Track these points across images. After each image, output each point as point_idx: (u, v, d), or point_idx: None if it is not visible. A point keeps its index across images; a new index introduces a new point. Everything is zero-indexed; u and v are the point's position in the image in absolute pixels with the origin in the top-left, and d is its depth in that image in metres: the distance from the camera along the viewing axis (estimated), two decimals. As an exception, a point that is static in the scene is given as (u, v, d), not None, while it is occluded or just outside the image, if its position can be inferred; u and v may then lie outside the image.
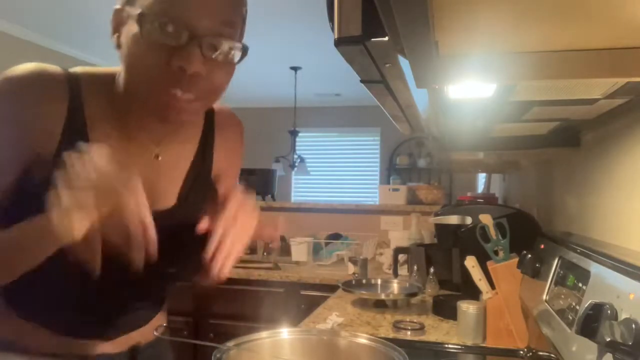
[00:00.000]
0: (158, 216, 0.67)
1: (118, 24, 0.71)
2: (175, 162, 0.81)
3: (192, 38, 0.66)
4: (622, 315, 0.61)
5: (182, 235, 0.75)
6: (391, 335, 1.42)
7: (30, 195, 0.66)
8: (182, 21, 0.65)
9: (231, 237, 0.70)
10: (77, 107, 0.72)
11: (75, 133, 0.71)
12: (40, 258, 0.65)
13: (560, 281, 0.93)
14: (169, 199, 0.81)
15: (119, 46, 0.72)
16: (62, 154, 0.62)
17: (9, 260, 0.66)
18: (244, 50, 0.72)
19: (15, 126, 0.69)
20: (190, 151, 0.84)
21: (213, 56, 0.68)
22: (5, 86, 0.69)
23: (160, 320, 0.98)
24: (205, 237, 0.71)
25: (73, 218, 0.59)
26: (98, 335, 0.86)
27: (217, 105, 0.88)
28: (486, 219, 1.35)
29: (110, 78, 0.76)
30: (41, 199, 0.60)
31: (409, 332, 1.44)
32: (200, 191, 0.85)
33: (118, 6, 0.72)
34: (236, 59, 0.72)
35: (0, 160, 0.70)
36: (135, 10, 0.66)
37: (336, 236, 2.98)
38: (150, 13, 0.65)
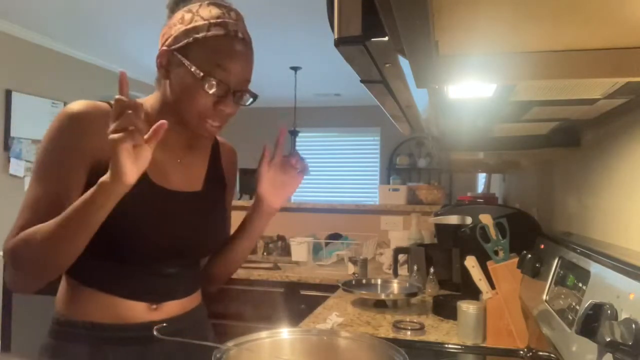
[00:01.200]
0: (190, 196, 1.04)
1: (168, 63, 0.96)
2: (194, 164, 1.09)
3: (229, 91, 0.95)
4: (622, 315, 0.61)
5: (210, 215, 1.08)
6: (391, 335, 1.42)
7: None
8: (227, 80, 0.94)
9: None
10: None
11: None
12: (104, 213, 0.82)
13: (560, 281, 0.93)
14: (195, 186, 1.08)
15: (165, 78, 0.98)
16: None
17: (83, 217, 0.82)
18: (254, 97, 1.02)
19: (80, 144, 0.93)
20: (204, 160, 1.12)
21: (240, 102, 0.99)
22: (66, 118, 0.92)
23: (194, 301, 1.12)
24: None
25: (124, 163, 0.76)
26: (146, 299, 1.00)
27: (218, 138, 1.19)
28: (486, 219, 1.35)
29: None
30: None
31: (409, 332, 1.44)
32: (217, 184, 1.14)
33: (166, 48, 0.96)
34: (248, 102, 1.02)
35: (71, 174, 0.91)
36: (192, 67, 0.93)
37: (336, 236, 2.98)
38: (207, 74, 0.92)
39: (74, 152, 0.91)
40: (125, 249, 0.96)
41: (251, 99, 1.01)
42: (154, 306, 1.01)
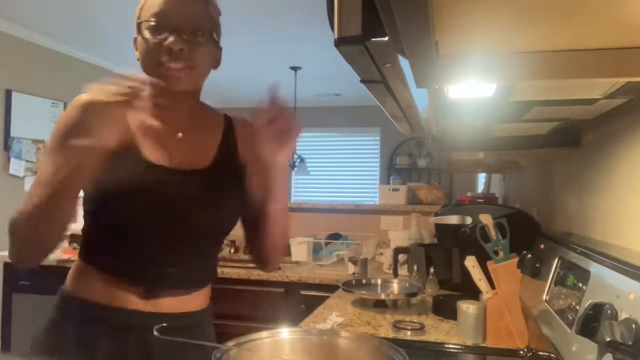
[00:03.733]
0: (194, 173, 1.02)
1: (136, 46, 1.04)
2: (200, 142, 1.07)
3: (173, 31, 0.97)
4: (622, 315, 0.61)
5: (217, 193, 1.04)
6: (391, 335, 1.42)
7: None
8: (164, 22, 0.98)
9: None
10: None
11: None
12: (87, 175, 0.89)
13: (560, 281, 0.93)
14: (201, 164, 1.05)
15: (138, 58, 1.03)
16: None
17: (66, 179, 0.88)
18: (218, 52, 1.07)
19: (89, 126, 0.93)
20: (214, 141, 1.09)
21: (191, 40, 0.98)
22: (78, 104, 0.97)
23: (201, 300, 1.07)
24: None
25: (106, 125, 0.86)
26: (139, 284, 1.00)
27: (235, 116, 1.17)
28: (486, 219, 1.35)
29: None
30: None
31: (409, 332, 1.44)
32: (230, 165, 1.09)
33: (135, 35, 1.03)
34: (206, 46, 1.01)
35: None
36: (138, 25, 1.00)
37: (336, 236, 2.98)
38: (145, 22, 0.98)
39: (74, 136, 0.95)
40: (117, 227, 0.99)
41: (204, 35, 1.01)
42: (147, 294, 1.00)
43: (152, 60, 0.98)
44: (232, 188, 1.06)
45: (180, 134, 1.04)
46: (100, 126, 0.86)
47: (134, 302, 0.99)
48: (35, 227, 0.91)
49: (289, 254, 2.84)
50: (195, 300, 1.06)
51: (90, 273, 1.01)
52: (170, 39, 0.96)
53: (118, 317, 0.98)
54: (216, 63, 1.08)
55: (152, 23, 0.98)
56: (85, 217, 1.03)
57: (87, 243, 1.03)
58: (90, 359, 0.97)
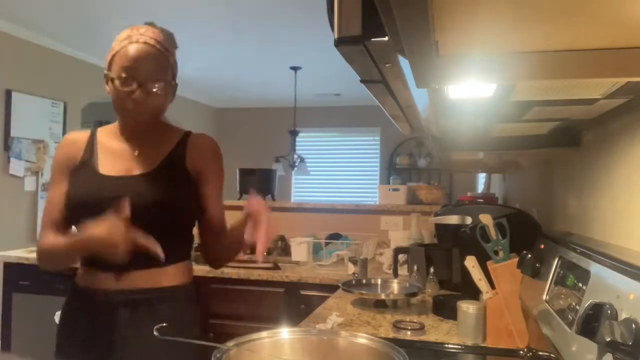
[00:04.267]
0: (141, 175, 1.27)
1: (106, 82, 1.29)
2: (151, 154, 1.32)
3: (139, 85, 1.23)
4: (622, 315, 0.61)
5: (158, 189, 1.26)
6: (391, 335, 1.42)
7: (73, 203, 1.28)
8: (132, 75, 1.23)
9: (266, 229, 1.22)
10: (92, 140, 1.36)
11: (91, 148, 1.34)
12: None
13: (560, 281, 0.93)
14: (148, 168, 1.29)
15: (108, 93, 1.29)
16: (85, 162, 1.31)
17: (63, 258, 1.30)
18: (174, 88, 1.33)
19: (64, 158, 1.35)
20: (164, 152, 1.33)
21: (153, 90, 1.25)
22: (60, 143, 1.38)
23: (173, 276, 1.28)
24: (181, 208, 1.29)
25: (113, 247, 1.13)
26: (110, 269, 1.22)
27: (196, 132, 1.40)
28: (486, 219, 1.35)
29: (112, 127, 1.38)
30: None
31: (409, 332, 1.44)
32: (175, 168, 1.31)
33: (105, 71, 1.28)
34: (164, 92, 1.28)
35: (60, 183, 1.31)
36: (111, 75, 1.26)
37: (336, 236, 2.98)
38: (117, 76, 1.24)
39: (61, 168, 1.32)
40: (78, 223, 1.24)
41: (162, 85, 1.25)
42: (119, 275, 1.22)
43: (121, 104, 1.25)
44: (174, 185, 1.29)
45: (136, 151, 1.30)
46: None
47: (108, 284, 1.23)
48: (51, 262, 1.32)
49: (289, 254, 2.85)
50: (166, 276, 1.27)
51: (83, 264, 1.29)
52: (137, 93, 1.22)
53: (98, 297, 1.23)
54: (173, 97, 1.34)
55: (123, 76, 1.22)
56: (68, 218, 1.30)
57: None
58: (75, 333, 1.26)
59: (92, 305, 1.24)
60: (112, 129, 1.36)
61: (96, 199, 1.22)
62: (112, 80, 1.24)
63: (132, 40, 1.25)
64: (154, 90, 1.24)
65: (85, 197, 1.25)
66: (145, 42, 1.25)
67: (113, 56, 1.26)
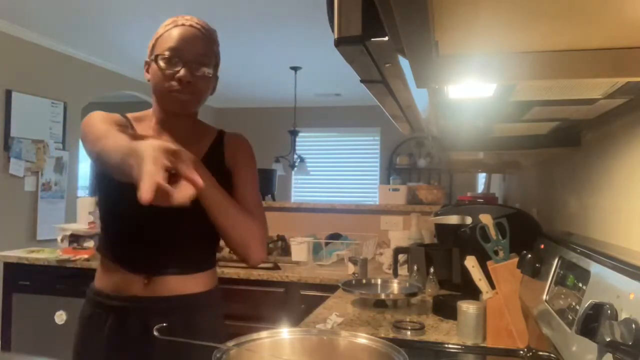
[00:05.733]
0: None
1: (147, 69, 1.25)
2: (190, 151, 1.16)
3: (184, 65, 1.18)
4: (622, 315, 0.60)
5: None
6: (391, 335, 1.42)
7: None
8: (177, 55, 1.18)
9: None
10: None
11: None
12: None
13: (560, 281, 0.93)
14: None
15: (148, 80, 1.24)
16: None
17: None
18: (215, 80, 1.27)
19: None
20: (202, 149, 1.29)
21: (197, 73, 1.19)
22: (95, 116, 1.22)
23: (200, 283, 1.24)
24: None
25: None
26: (143, 271, 1.19)
27: (229, 131, 1.36)
28: (486, 219, 1.35)
29: (147, 114, 1.31)
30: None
31: (409, 332, 1.44)
32: (213, 167, 1.21)
33: (147, 59, 1.25)
34: (205, 73, 1.20)
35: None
36: (155, 54, 1.20)
37: (336, 236, 2.98)
38: (161, 54, 1.18)
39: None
40: (115, 220, 1.22)
41: (208, 70, 1.20)
42: (146, 280, 1.18)
43: (163, 86, 1.18)
44: None
45: None
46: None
47: (135, 288, 1.18)
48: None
49: (289, 254, 2.85)
50: (193, 284, 1.23)
51: (104, 265, 1.24)
52: (182, 72, 1.16)
53: (123, 302, 1.18)
54: (213, 91, 1.28)
55: (167, 55, 1.17)
56: (100, 219, 1.27)
57: (102, 238, 1.29)
58: (99, 341, 1.18)
59: (117, 315, 1.18)
60: (145, 120, 1.29)
61: (132, 201, 1.11)
62: (156, 60, 1.18)
63: (177, 23, 1.21)
64: (199, 73, 1.18)
65: (124, 198, 1.09)
66: (191, 25, 1.21)
67: (157, 39, 1.22)
